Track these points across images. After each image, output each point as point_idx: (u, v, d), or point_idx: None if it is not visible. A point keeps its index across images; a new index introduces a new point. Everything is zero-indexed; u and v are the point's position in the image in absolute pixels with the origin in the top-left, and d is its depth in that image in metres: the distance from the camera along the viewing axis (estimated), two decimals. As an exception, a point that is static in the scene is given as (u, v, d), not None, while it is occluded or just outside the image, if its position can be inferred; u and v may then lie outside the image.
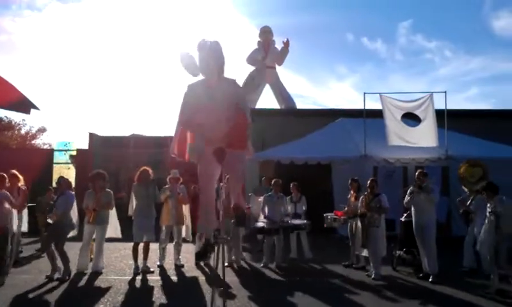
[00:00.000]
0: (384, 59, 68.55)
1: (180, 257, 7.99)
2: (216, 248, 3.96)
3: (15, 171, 7.26)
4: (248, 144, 4.00)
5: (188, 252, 8.55)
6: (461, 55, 67.15)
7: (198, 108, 3.83)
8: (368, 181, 7.57)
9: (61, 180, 7.83)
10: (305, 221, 8.47)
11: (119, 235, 7.89)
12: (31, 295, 6.05)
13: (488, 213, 6.44)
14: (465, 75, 66.25)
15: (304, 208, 8.97)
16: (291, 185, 9.03)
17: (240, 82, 4.03)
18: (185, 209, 8.19)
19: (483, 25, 61.20)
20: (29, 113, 6.36)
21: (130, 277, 7.00)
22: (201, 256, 4.19)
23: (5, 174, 6.93)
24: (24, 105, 6.22)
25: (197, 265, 7.94)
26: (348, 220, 8.09)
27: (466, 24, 62.45)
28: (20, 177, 7.42)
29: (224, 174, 4.24)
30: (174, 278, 7.17)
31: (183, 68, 3.81)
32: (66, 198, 7.23)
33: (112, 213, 7.69)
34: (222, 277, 4.15)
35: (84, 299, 5.80)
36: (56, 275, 6.85)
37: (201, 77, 3.91)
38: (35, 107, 6.31)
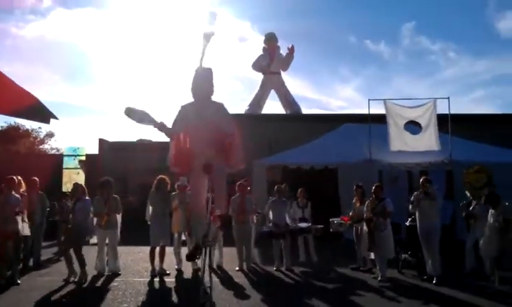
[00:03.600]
0: (387, 61, 68.63)
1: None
2: (203, 250, 4.47)
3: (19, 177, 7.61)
4: (235, 158, 4.52)
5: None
6: (466, 57, 67.13)
7: (187, 125, 4.43)
8: (374, 187, 7.81)
9: (78, 186, 8.10)
10: (310, 224, 8.70)
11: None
12: (56, 296, 6.38)
13: (490, 219, 6.70)
14: (470, 76, 66.14)
15: (309, 213, 9.08)
16: (299, 190, 9.25)
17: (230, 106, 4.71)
18: None
19: (488, 26, 61.19)
20: (48, 123, 6.56)
21: (148, 279, 7.34)
22: (191, 257, 4.83)
23: (14, 178, 7.28)
24: (43, 114, 6.39)
25: (210, 267, 8.23)
26: (353, 225, 8.39)
27: (471, 25, 62.51)
28: (23, 183, 7.74)
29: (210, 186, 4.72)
30: (189, 280, 7.47)
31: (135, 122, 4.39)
32: (84, 204, 7.51)
33: (118, 218, 7.97)
34: (208, 278, 4.64)
35: (108, 300, 6.13)
36: (72, 279, 7.15)
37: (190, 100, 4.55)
38: (54, 117, 6.47)
